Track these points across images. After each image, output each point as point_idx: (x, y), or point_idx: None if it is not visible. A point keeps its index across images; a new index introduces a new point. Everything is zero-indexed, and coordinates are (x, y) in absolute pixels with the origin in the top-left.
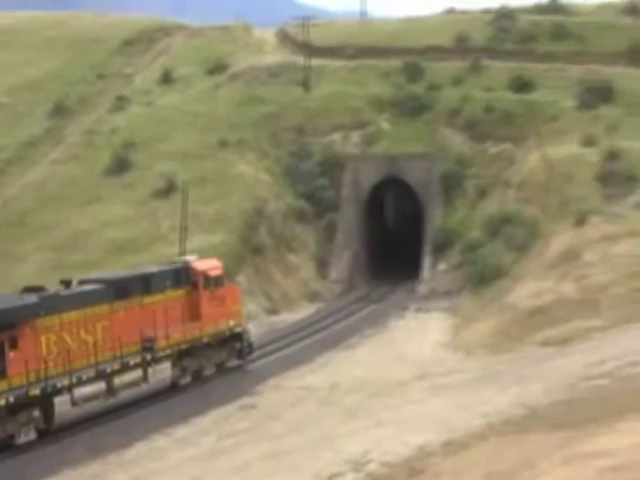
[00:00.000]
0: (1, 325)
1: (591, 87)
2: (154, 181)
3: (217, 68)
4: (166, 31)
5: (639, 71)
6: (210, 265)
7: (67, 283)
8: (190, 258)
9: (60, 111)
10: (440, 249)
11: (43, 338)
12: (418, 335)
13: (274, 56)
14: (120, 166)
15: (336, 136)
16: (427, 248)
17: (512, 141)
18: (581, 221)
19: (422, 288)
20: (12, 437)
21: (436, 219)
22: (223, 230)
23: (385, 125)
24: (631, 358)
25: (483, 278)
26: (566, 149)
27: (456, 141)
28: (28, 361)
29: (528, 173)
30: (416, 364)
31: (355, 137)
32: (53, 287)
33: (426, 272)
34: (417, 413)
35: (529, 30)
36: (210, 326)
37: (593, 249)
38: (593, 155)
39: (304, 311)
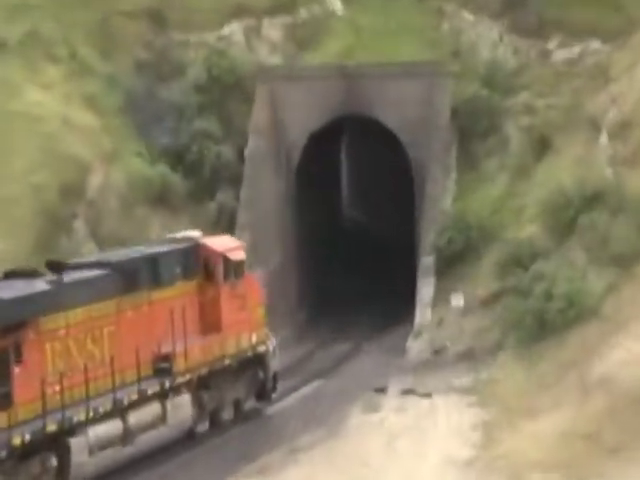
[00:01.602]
0: (7, 325)
1: None
2: None
3: None
4: None
5: None
6: (227, 244)
7: (58, 266)
8: (194, 233)
9: None
10: (453, 262)
11: (48, 346)
12: (409, 445)
13: None
14: None
15: (232, 29)
16: (426, 261)
17: (602, 37)
18: None
19: (417, 345)
20: None
21: (445, 199)
22: None
23: (336, 4)
24: None
25: (545, 324)
26: None
27: (485, 36)
28: (37, 381)
29: (637, 104)
30: None
31: (273, 32)
32: (43, 272)
33: (424, 311)
34: None
35: None
36: (231, 341)
37: None
38: None
39: None
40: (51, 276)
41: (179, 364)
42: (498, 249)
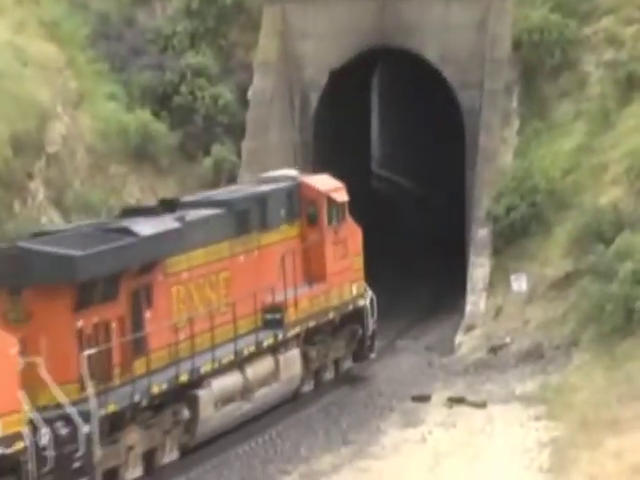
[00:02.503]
0: (143, 264)
1: None
2: None
3: None
4: None
5: None
6: (330, 184)
7: (171, 203)
8: (291, 171)
9: None
10: (514, 236)
11: (174, 290)
12: (459, 469)
13: None
14: None
15: None
16: (479, 234)
17: None
18: None
19: (468, 341)
20: (152, 454)
21: (503, 155)
22: None
23: None
24: None
25: (632, 314)
26: None
27: None
28: (166, 327)
29: None
30: None
31: None
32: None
33: (477, 298)
34: None
35: None
36: (335, 292)
37: None
38: None
39: None
40: (171, 214)
41: (290, 315)
42: (572, 218)
